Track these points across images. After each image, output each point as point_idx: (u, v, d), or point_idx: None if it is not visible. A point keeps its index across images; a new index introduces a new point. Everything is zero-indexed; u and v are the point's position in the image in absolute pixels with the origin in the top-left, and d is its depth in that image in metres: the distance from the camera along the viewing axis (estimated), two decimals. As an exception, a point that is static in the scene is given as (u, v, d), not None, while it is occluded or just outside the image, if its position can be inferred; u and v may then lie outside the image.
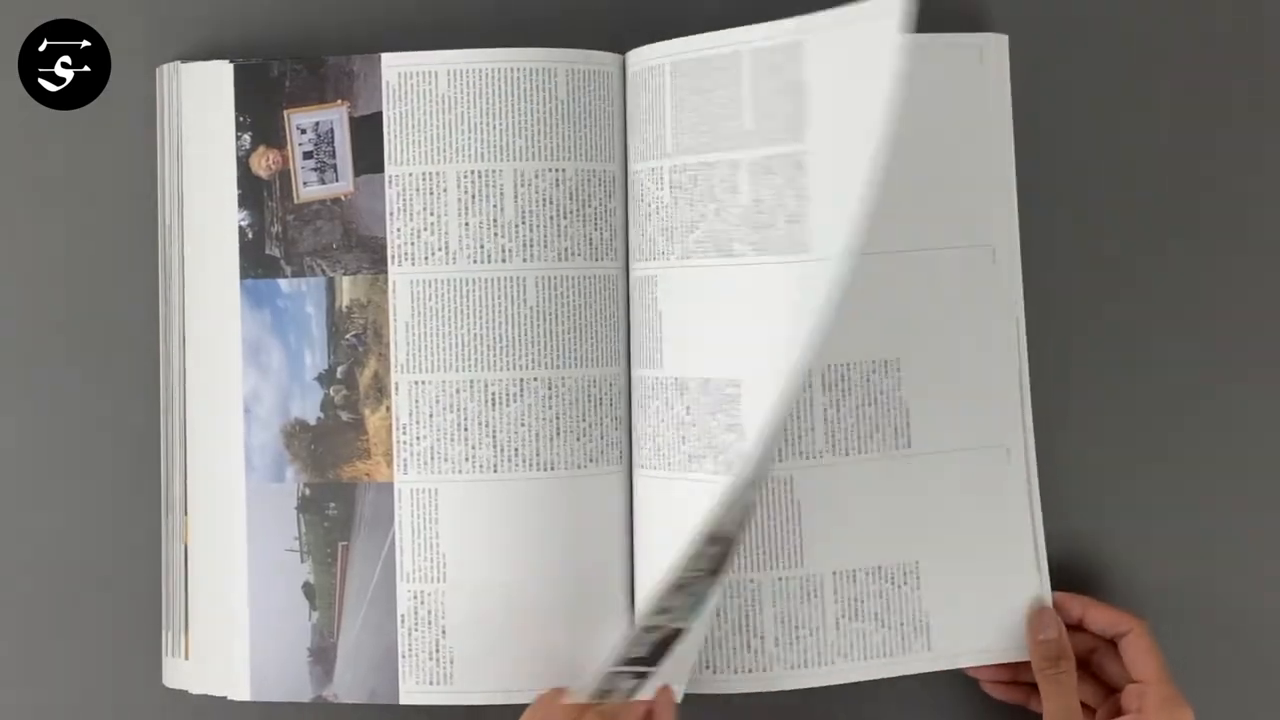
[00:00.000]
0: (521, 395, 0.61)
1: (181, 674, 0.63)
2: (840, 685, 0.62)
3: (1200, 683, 0.60)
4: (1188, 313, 0.67)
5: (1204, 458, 0.66)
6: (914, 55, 0.62)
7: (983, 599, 0.62)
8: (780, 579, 0.61)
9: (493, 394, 0.61)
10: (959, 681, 0.64)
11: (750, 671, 0.61)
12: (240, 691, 0.62)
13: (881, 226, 0.62)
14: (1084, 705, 0.61)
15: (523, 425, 0.61)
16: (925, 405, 0.62)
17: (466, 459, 0.62)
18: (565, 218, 0.62)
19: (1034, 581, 0.62)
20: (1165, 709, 0.59)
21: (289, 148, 0.63)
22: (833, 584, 0.62)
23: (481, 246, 0.62)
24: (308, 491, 0.63)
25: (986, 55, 0.64)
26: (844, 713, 0.65)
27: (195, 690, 0.63)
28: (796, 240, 0.60)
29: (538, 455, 0.61)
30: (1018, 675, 0.63)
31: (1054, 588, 0.63)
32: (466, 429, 0.62)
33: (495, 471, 0.61)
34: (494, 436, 0.61)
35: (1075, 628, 0.62)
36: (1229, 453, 0.66)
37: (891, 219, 0.62)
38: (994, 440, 0.63)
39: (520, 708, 0.61)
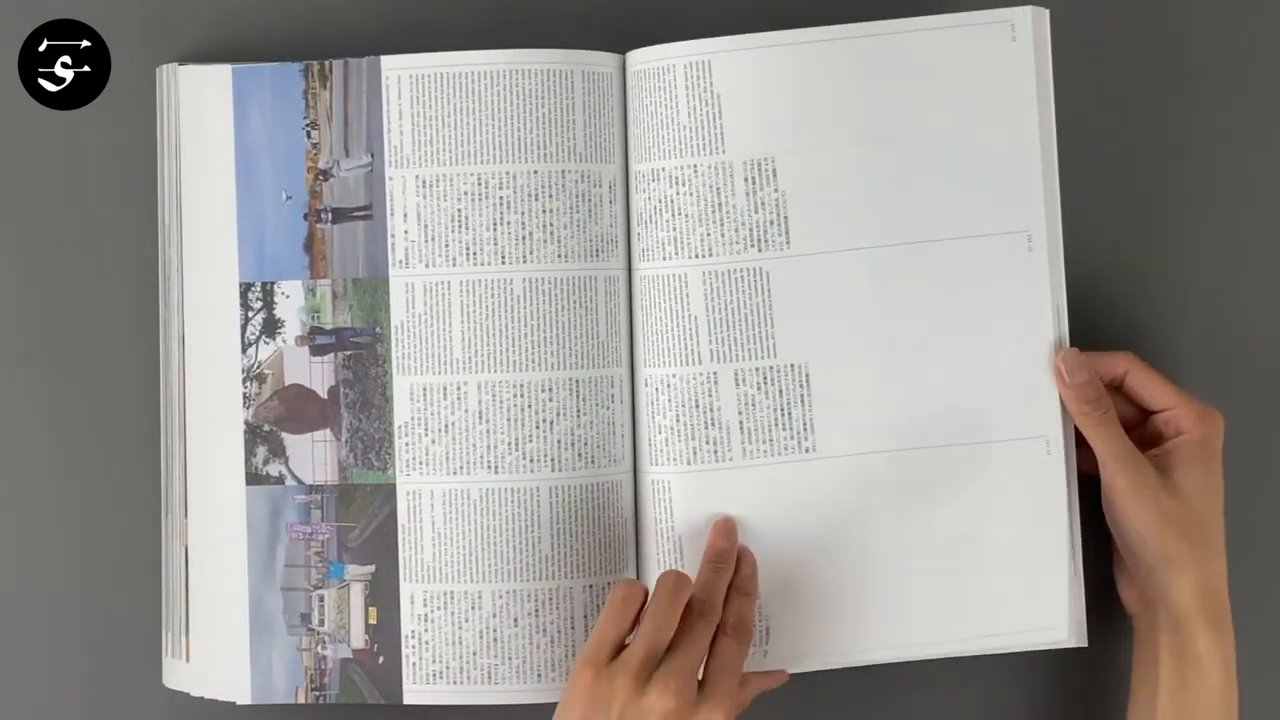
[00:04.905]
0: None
1: (182, 675, 0.63)
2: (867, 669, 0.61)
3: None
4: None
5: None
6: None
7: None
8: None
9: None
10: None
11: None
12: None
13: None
14: None
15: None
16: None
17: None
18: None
19: (1066, 565, 0.61)
20: (1203, 421, 0.59)
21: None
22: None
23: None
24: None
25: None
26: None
27: (195, 692, 0.63)
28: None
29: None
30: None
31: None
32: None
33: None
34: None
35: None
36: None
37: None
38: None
39: (522, 708, 0.61)
